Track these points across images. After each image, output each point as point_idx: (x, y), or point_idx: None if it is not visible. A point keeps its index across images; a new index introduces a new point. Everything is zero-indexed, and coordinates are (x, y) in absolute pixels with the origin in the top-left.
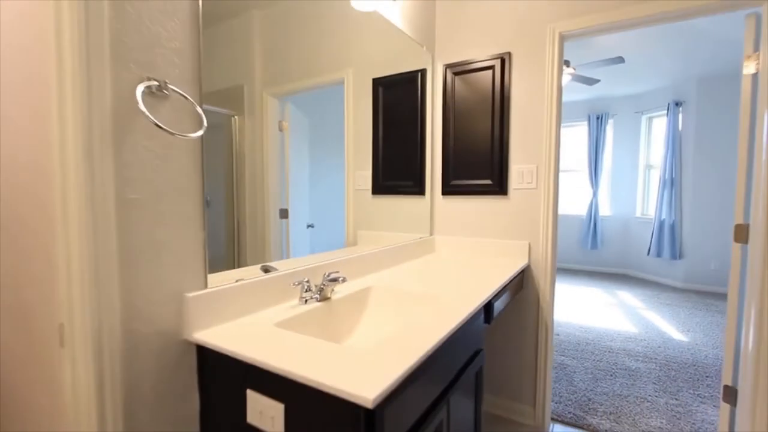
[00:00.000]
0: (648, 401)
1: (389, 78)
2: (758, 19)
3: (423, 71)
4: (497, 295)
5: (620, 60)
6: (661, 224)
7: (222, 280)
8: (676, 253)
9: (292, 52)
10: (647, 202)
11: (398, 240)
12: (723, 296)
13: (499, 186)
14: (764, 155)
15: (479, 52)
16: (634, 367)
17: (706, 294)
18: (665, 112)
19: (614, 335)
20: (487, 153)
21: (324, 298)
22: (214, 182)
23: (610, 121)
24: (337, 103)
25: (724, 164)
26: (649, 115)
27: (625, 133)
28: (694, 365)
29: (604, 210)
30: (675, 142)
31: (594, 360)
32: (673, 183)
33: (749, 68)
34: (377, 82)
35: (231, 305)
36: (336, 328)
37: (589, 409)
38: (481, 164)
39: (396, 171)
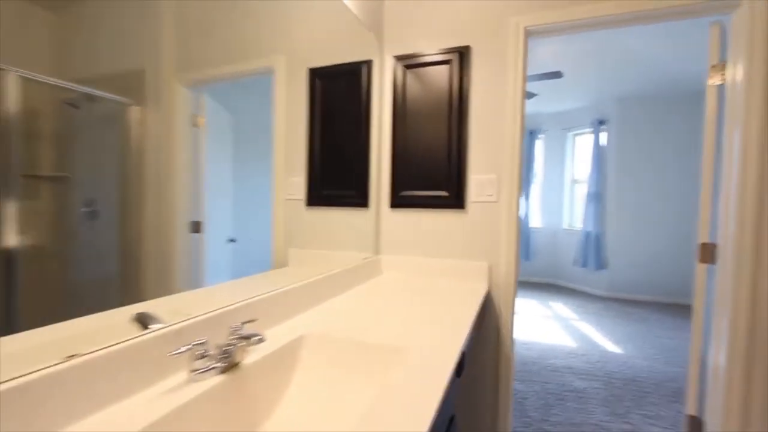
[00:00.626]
0: (602, 428)
1: (330, 69)
2: (723, 28)
3: (369, 63)
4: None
5: (559, 75)
6: (587, 236)
7: (35, 357)
8: (601, 264)
9: (212, 31)
10: (573, 215)
11: (338, 260)
12: (641, 303)
13: (455, 198)
14: (734, 172)
15: (435, 44)
16: (581, 388)
17: (626, 302)
18: (590, 129)
19: (556, 351)
20: (443, 160)
21: (231, 366)
22: (102, 187)
23: (541, 137)
24: (267, 96)
25: (644, 179)
26: (575, 132)
27: (554, 149)
28: (634, 380)
29: (535, 222)
30: (599, 159)
31: (542, 382)
32: (597, 197)
33: (714, 79)
34: (315, 74)
35: (52, 405)
36: (247, 417)
37: None
38: (435, 173)
39: (336, 179)
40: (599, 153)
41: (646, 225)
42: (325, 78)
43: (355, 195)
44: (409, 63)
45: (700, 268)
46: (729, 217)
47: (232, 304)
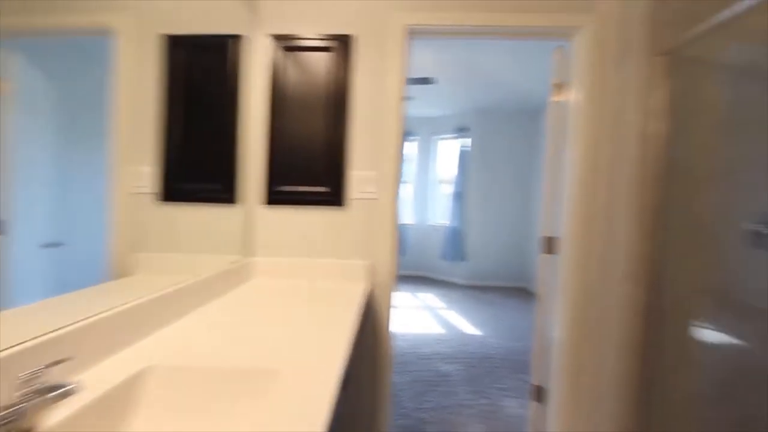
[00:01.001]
0: (467, 406)
1: (193, 39)
2: (564, 52)
3: (239, 38)
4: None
5: (429, 81)
6: (451, 231)
7: None
8: (462, 256)
9: None
10: (439, 212)
11: (202, 265)
12: (494, 289)
13: (336, 195)
14: (571, 177)
15: (317, 28)
16: (447, 371)
17: (482, 288)
18: (454, 135)
19: (427, 340)
20: (323, 154)
21: None
22: None
23: (413, 140)
24: (107, 64)
25: (498, 182)
26: (441, 137)
27: (423, 152)
28: (488, 358)
29: (407, 219)
30: (462, 162)
31: (415, 371)
32: (461, 196)
33: (556, 97)
34: (174, 42)
35: None
36: None
37: (422, 431)
38: (316, 167)
39: (199, 170)
40: (462, 157)
41: (498, 221)
42: (186, 49)
43: (221, 189)
44: (290, 45)
45: (543, 258)
46: (566, 215)
47: (27, 340)
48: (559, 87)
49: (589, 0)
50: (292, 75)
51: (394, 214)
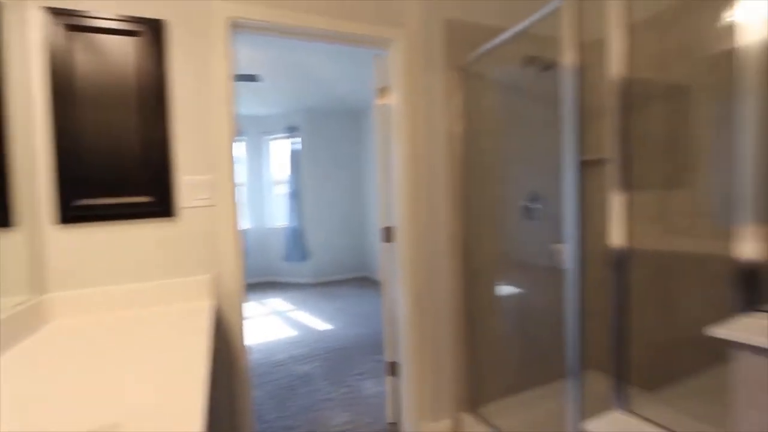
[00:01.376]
0: (330, 399)
1: None
2: (383, 60)
3: None
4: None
5: (254, 78)
6: (291, 231)
7: None
8: (305, 255)
9: None
10: (277, 213)
11: None
12: (336, 283)
13: (162, 204)
14: (399, 172)
15: (117, 7)
16: (306, 372)
17: (328, 284)
18: (286, 135)
19: (281, 346)
20: (140, 158)
21: None
22: None
23: (243, 140)
24: None
25: (331, 179)
26: (272, 136)
27: (255, 152)
28: (342, 349)
29: (243, 223)
30: (295, 162)
31: (273, 381)
32: (297, 195)
33: (380, 100)
34: None
35: None
36: None
37: None
38: (132, 174)
39: None
40: (294, 156)
41: (335, 217)
42: None
43: None
44: (76, 24)
45: (384, 247)
46: (398, 206)
47: None
48: (382, 91)
49: (399, 16)
50: (82, 61)
51: (235, 220)
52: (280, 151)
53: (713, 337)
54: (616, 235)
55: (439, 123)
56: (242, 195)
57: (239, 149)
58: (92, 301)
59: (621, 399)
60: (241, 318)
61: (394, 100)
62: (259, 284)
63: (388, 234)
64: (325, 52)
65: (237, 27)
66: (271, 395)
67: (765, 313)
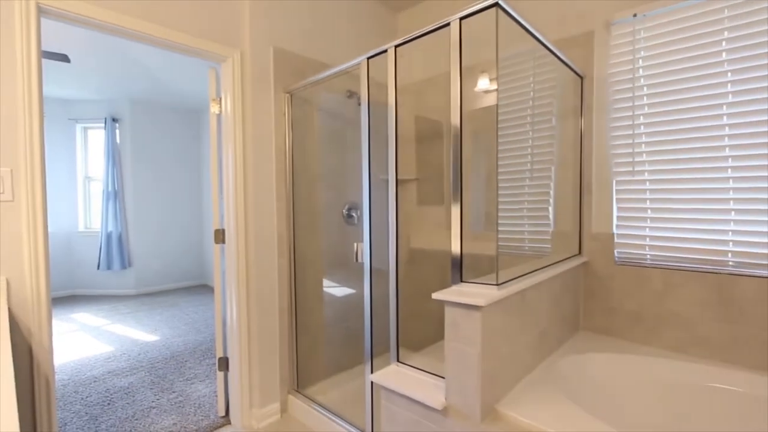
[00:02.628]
0: (154, 407)
1: None
2: (217, 72)
3: None
4: None
5: (65, 58)
6: (109, 236)
7: None
8: (126, 263)
9: None
10: (90, 216)
11: None
12: (166, 292)
13: None
14: (231, 177)
15: None
16: (126, 384)
17: (155, 294)
18: (103, 125)
19: (93, 362)
20: None
21: None
22: None
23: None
24: None
25: (159, 178)
26: (85, 125)
27: (60, 140)
28: (173, 357)
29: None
30: (114, 156)
31: (82, 398)
32: (116, 195)
33: (214, 109)
34: None
35: None
36: None
37: None
38: None
39: None
40: (114, 150)
41: (165, 219)
42: None
43: None
44: None
45: (216, 248)
46: (230, 209)
47: None
48: (216, 101)
49: (234, 36)
50: None
51: (41, 217)
52: (96, 142)
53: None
54: (415, 239)
55: (268, 136)
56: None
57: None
58: None
59: (396, 356)
60: (46, 329)
61: (226, 111)
62: (65, 297)
63: (219, 235)
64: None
65: (46, 14)
66: (79, 414)
67: (463, 283)
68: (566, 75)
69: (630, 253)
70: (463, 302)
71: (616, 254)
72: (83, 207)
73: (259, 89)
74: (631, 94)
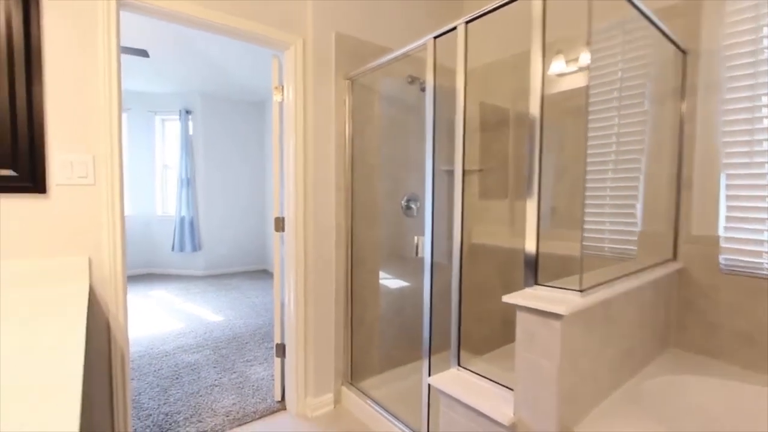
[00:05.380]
0: (216, 385)
1: None
2: (280, 61)
3: None
4: None
5: (145, 53)
6: (182, 221)
7: None
8: (197, 246)
9: None
10: (166, 201)
11: None
12: (230, 275)
13: (31, 180)
14: (291, 166)
15: None
16: (193, 361)
17: (221, 276)
18: (177, 117)
19: (165, 337)
20: (3, 125)
21: None
22: None
23: (124, 115)
24: None
25: (227, 167)
26: (162, 117)
27: (141, 131)
28: (235, 338)
29: (126, 209)
30: (187, 146)
31: (155, 370)
32: (189, 182)
33: (277, 97)
34: None
35: None
36: None
37: (171, 423)
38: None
39: None
40: (187, 140)
41: (230, 206)
42: None
43: None
44: None
45: (276, 236)
46: (290, 198)
47: None
48: (278, 90)
49: (297, 23)
50: None
51: (119, 201)
52: (172, 133)
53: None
54: (476, 234)
55: (329, 124)
56: (127, 177)
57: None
58: None
59: (457, 360)
60: (122, 305)
61: (288, 99)
62: (144, 276)
63: (279, 224)
64: (226, 43)
65: (124, 6)
66: (151, 385)
67: (538, 286)
68: (664, 50)
69: (741, 260)
70: (540, 309)
71: (721, 261)
72: (161, 193)
73: (321, 76)
74: (752, 71)
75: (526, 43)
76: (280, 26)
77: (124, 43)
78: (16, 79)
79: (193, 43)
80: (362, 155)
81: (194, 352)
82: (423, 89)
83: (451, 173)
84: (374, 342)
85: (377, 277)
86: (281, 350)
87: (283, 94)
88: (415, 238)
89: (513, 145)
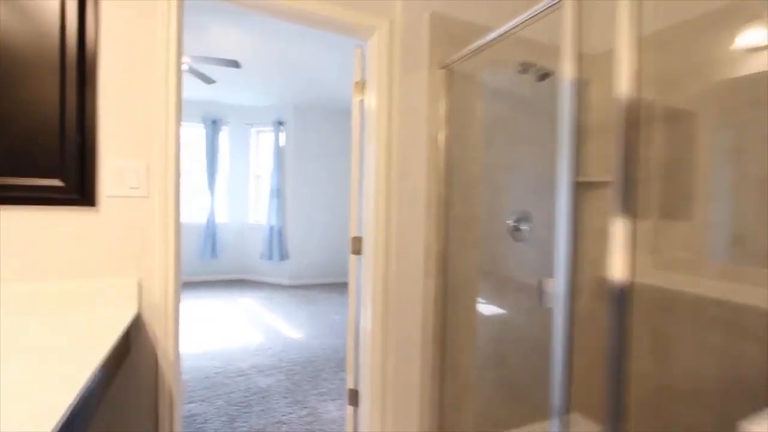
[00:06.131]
0: (284, 422)
1: None
2: (363, 52)
3: None
4: (83, 401)
5: (236, 64)
6: (271, 230)
7: None
8: (284, 255)
9: None
10: (257, 209)
11: None
12: (316, 287)
13: (79, 191)
14: (372, 176)
15: None
16: (265, 386)
17: (304, 287)
18: (271, 128)
19: (243, 353)
20: (52, 131)
21: None
22: None
23: (225, 128)
24: None
25: (316, 178)
26: (257, 129)
27: (238, 143)
28: (311, 362)
29: (221, 217)
30: (279, 156)
31: (227, 394)
32: (278, 192)
33: (357, 96)
34: None
35: None
36: None
37: None
38: (38, 149)
39: None
40: (279, 152)
41: (317, 217)
42: None
43: None
44: None
45: (352, 259)
46: (369, 215)
47: None
48: (359, 87)
49: (384, 2)
50: None
51: (174, 215)
52: (265, 144)
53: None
54: (617, 266)
55: (419, 126)
56: (222, 187)
57: (223, 139)
58: None
59: None
60: (172, 337)
61: (370, 96)
62: (236, 281)
63: (357, 245)
64: (312, 43)
65: None
66: (219, 411)
67: None
68: None
69: None
70: None
71: None
72: (253, 202)
73: (410, 66)
74: None
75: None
76: (362, 8)
77: (217, 54)
78: (69, 82)
79: (285, 52)
80: (460, 162)
81: (268, 375)
82: (543, 78)
83: (579, 186)
84: (470, 397)
85: (475, 316)
86: (354, 397)
87: (363, 92)
88: (539, 281)
89: (665, 148)
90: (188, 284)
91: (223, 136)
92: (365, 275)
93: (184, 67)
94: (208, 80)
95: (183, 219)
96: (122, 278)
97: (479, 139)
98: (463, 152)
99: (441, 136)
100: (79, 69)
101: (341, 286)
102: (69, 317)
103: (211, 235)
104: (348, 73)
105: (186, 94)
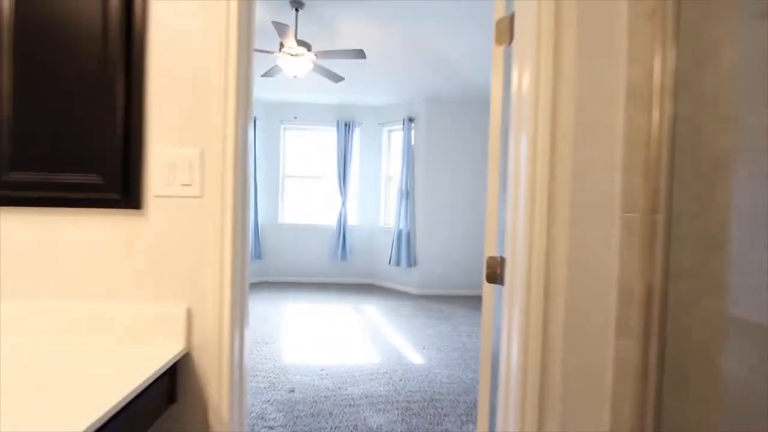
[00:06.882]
0: None
1: None
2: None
3: None
4: None
5: (361, 54)
6: (400, 234)
7: None
8: (412, 261)
9: None
10: (387, 213)
11: None
12: (446, 298)
13: (121, 189)
14: (522, 171)
15: None
16: (375, 426)
17: (435, 298)
18: (401, 126)
19: (358, 375)
20: (95, 120)
21: None
22: None
23: (357, 130)
24: None
25: (450, 179)
26: (389, 128)
27: (370, 144)
28: (433, 401)
29: (352, 220)
30: (409, 156)
31: (332, 428)
32: (408, 194)
33: (500, 43)
34: None
35: None
36: None
37: None
38: (78, 141)
39: None
40: (409, 150)
41: (449, 222)
42: None
43: None
44: None
45: (487, 289)
46: (516, 230)
47: None
48: (505, 26)
49: None
50: None
51: (232, 221)
52: (394, 144)
53: None
54: None
55: (607, 94)
56: (353, 189)
57: (355, 141)
58: (19, 318)
59: None
60: (227, 389)
61: (526, 74)
62: (364, 286)
63: (494, 268)
64: (447, 23)
65: None
66: None
67: None
68: None
69: None
70: None
71: None
72: (384, 204)
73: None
74: None
75: None
76: None
77: (339, 43)
78: (114, 60)
79: (413, 36)
80: (695, 140)
81: (381, 410)
82: None
83: None
84: None
85: (719, 413)
86: None
87: (508, 36)
88: None
89: None
90: (315, 286)
91: (356, 138)
92: (505, 323)
93: (309, 65)
94: (336, 78)
95: (313, 221)
96: (168, 302)
97: (730, 96)
98: (699, 120)
99: (655, 118)
100: (125, 43)
101: (476, 301)
102: (88, 351)
103: (342, 237)
104: (486, 53)
105: (317, 96)
